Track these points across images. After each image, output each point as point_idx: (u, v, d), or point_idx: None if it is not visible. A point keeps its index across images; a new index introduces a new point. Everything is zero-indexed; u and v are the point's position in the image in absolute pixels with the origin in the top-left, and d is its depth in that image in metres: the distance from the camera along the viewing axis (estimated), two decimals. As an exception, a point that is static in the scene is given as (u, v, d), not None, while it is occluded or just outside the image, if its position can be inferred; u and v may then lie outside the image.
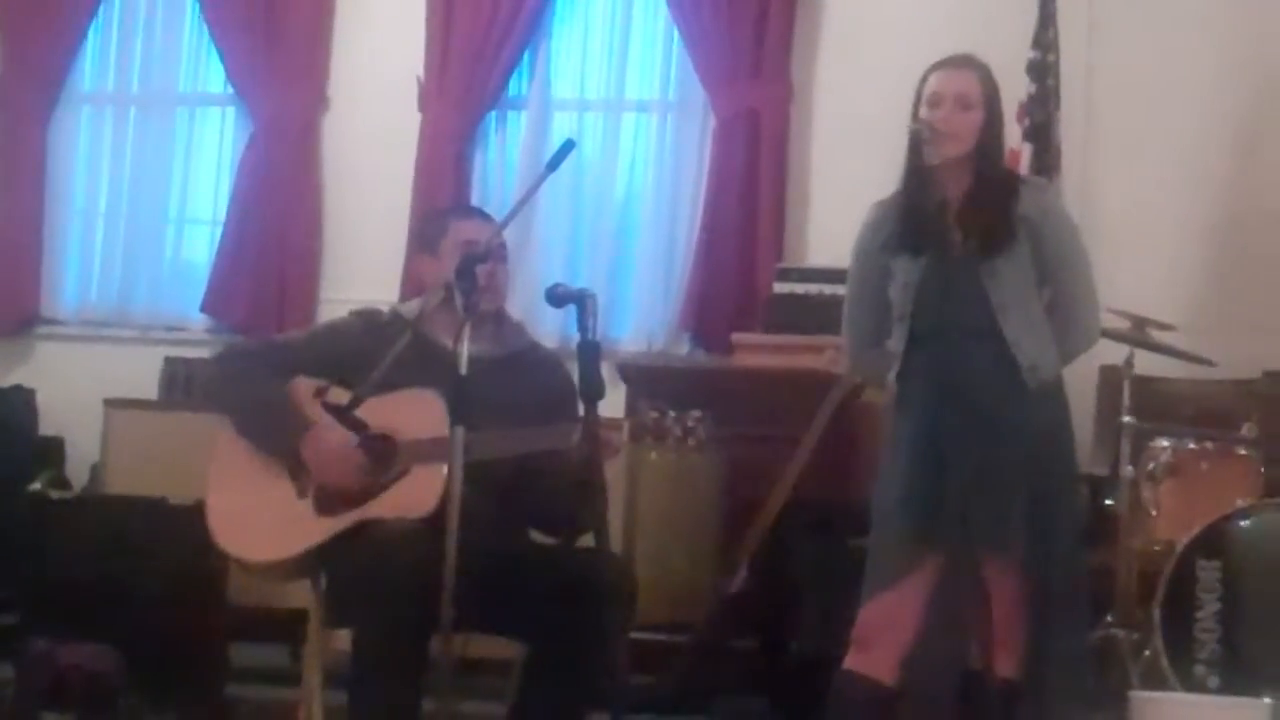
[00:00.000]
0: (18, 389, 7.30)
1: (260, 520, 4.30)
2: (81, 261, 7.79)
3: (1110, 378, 6.02)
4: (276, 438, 4.30)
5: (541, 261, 7.13)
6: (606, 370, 4.18)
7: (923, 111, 4.29)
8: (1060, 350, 4.34)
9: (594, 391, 3.91)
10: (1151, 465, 5.50)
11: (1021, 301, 4.26)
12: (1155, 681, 5.04)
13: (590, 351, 3.91)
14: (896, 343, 4.32)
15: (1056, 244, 4.31)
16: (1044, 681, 4.19)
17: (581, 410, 3.94)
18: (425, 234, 4.60)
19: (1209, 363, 5.74)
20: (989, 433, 4.18)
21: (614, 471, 4.48)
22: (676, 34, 7.18)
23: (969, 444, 4.18)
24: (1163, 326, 5.65)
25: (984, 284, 4.22)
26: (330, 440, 4.25)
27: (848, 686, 4.26)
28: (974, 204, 4.27)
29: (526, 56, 7.34)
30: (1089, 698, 4.43)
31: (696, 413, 4.19)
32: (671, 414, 4.19)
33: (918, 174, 4.30)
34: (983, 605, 4.18)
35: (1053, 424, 4.29)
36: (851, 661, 4.26)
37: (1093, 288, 4.40)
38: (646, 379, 6.03)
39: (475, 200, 7.10)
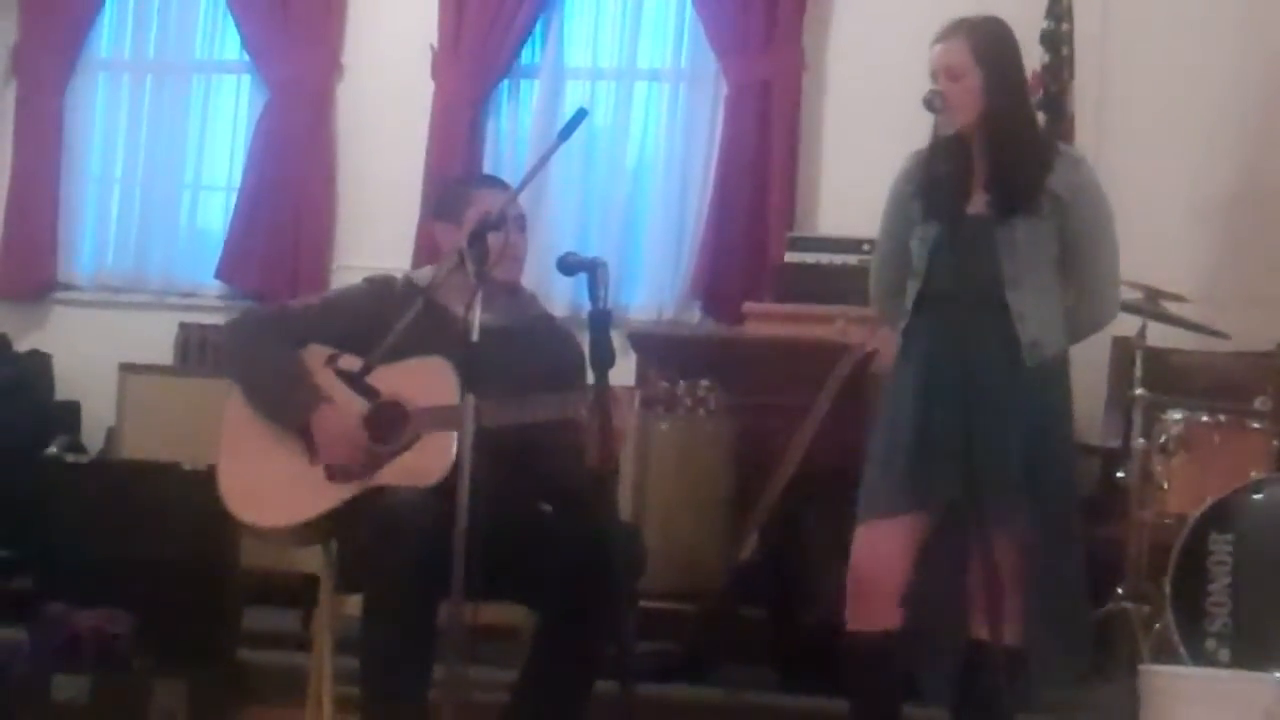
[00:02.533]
0: (34, 354, 7.34)
1: (272, 486, 4.31)
2: (98, 228, 7.82)
3: (1123, 350, 6.01)
4: (288, 412, 4.30)
5: (553, 230, 7.13)
6: (617, 339, 4.18)
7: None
8: (1070, 329, 4.32)
9: (605, 360, 3.92)
10: (1164, 438, 5.49)
11: (1034, 275, 4.22)
12: (1166, 655, 5.04)
13: (601, 320, 3.91)
14: (909, 298, 4.32)
15: (1084, 224, 4.26)
16: (1038, 652, 4.21)
17: (592, 379, 3.95)
18: (448, 202, 4.58)
19: (1222, 335, 5.74)
20: (982, 405, 4.15)
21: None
22: (689, 3, 7.18)
23: (962, 416, 4.15)
24: (1176, 298, 5.64)
25: (999, 253, 4.19)
26: (339, 421, 4.26)
27: (856, 648, 4.28)
28: (1000, 168, 4.23)
29: (539, 25, 7.35)
30: (1083, 669, 4.44)
31: (706, 382, 4.18)
32: (682, 383, 4.19)
33: (938, 143, 4.29)
34: (983, 571, 4.19)
35: (1050, 402, 4.25)
36: (853, 623, 4.28)
37: (1115, 274, 4.36)
38: (657, 348, 6.02)
39: (487, 168, 7.12)
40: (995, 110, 4.25)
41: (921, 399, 4.25)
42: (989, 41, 4.29)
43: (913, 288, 4.31)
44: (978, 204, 4.26)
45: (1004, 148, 4.25)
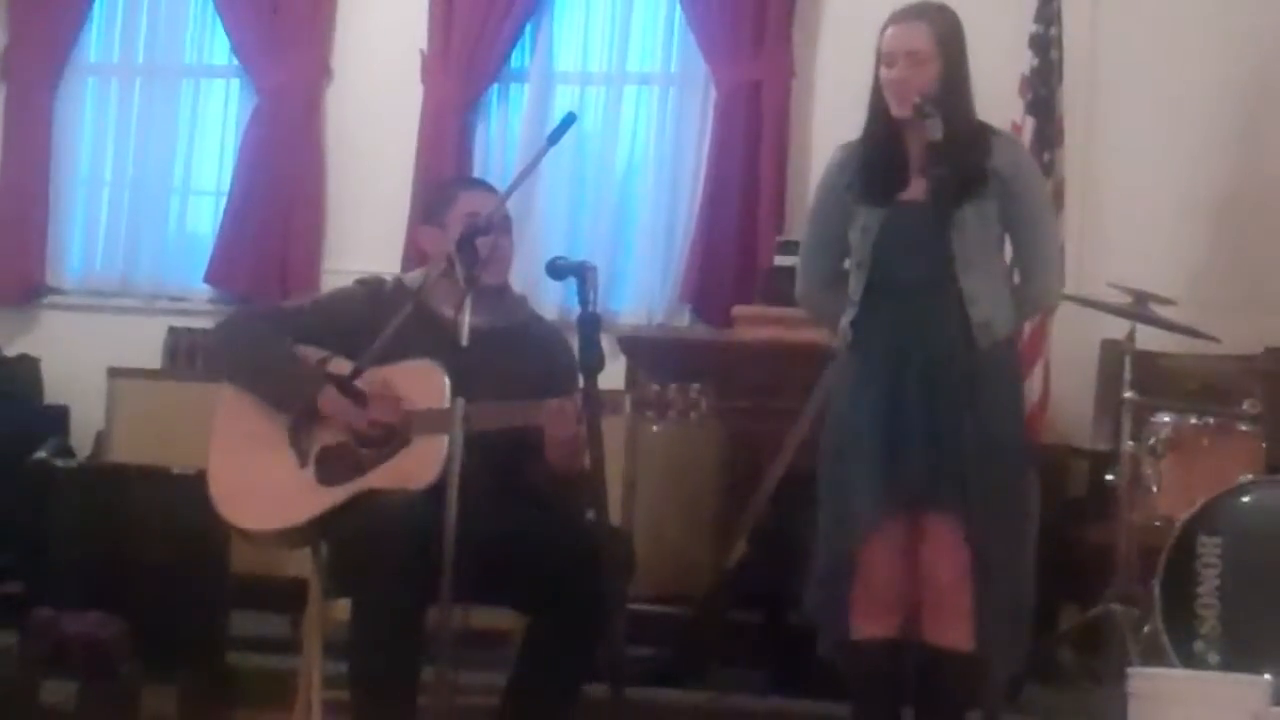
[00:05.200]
0: (23, 358, 7.32)
1: (261, 489, 4.31)
2: (86, 232, 7.80)
3: (1112, 352, 6.01)
4: (293, 395, 4.30)
5: (542, 234, 7.13)
6: (606, 343, 4.18)
7: (881, 71, 4.27)
8: (1017, 308, 4.33)
9: (594, 364, 3.93)
10: (1153, 440, 5.49)
11: (983, 257, 4.22)
12: (1155, 657, 5.04)
13: (590, 324, 3.92)
14: (854, 290, 4.30)
15: (1026, 200, 4.28)
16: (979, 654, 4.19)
17: (581, 382, 3.95)
18: (431, 205, 4.60)
19: (1211, 338, 5.73)
20: (939, 391, 4.16)
21: (614, 444, 4.49)
22: (679, 7, 7.17)
23: (921, 403, 4.18)
24: (1165, 301, 5.64)
25: (947, 236, 4.15)
26: (346, 399, 4.26)
27: (859, 657, 4.29)
28: (940, 154, 4.19)
29: (529, 29, 7.34)
30: (1022, 670, 4.43)
31: (697, 385, 4.19)
32: (672, 387, 4.19)
33: (881, 124, 4.29)
34: (928, 571, 4.21)
35: (1000, 385, 4.24)
36: (856, 631, 4.28)
37: (1057, 247, 4.39)
38: (646, 351, 6.03)
39: (477, 173, 7.11)
40: (948, 100, 4.22)
41: (888, 394, 4.23)
42: (950, 31, 4.29)
43: (859, 279, 4.30)
44: (916, 190, 4.26)
45: (949, 137, 4.22)
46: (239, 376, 4.40)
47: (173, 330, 7.27)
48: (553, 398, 4.21)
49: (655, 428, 4.30)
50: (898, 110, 4.25)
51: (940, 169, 4.16)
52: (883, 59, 4.28)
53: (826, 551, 4.30)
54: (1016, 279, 4.40)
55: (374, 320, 4.20)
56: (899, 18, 4.30)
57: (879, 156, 4.30)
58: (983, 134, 4.33)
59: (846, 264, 4.38)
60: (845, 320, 4.33)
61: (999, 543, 4.14)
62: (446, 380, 4.13)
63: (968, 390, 4.12)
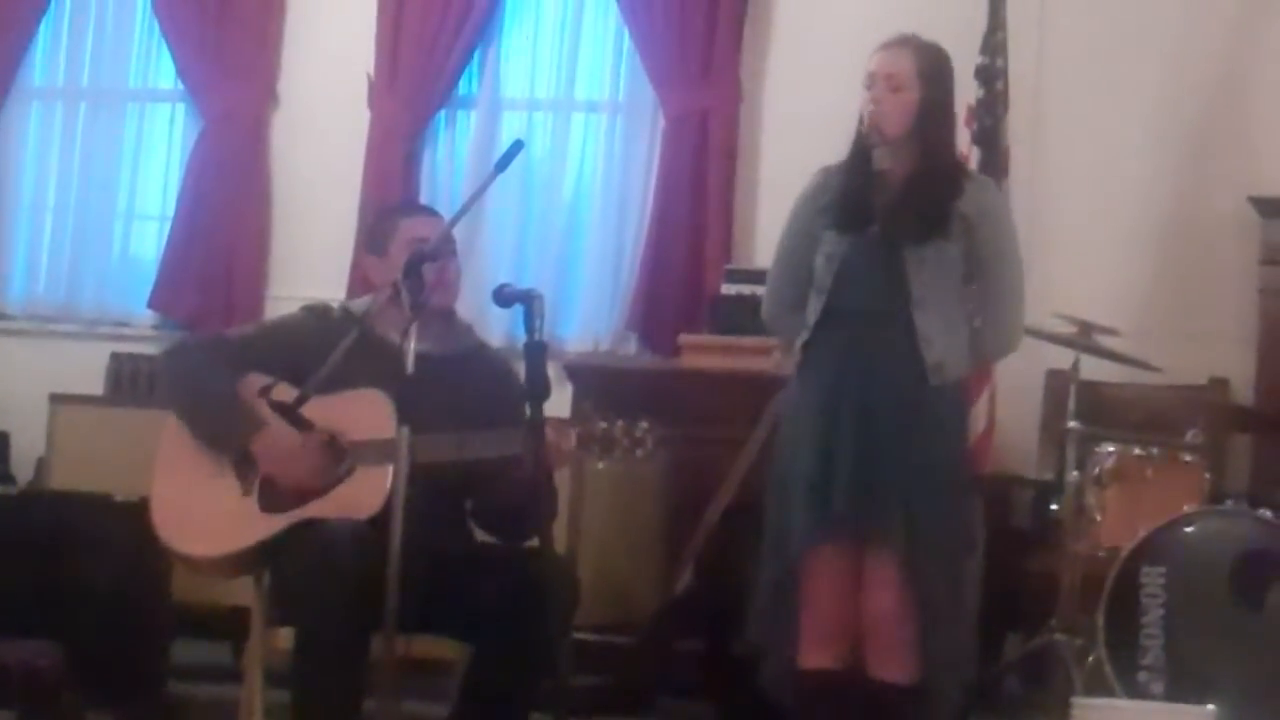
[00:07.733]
0: (-38, 384, 7.27)
1: (204, 516, 4.28)
2: (29, 256, 7.76)
3: (1056, 383, 6.04)
4: (226, 436, 4.27)
5: (489, 261, 7.12)
6: (553, 370, 4.18)
7: (861, 94, 4.31)
8: (976, 351, 4.35)
9: (540, 392, 3.91)
10: (1097, 471, 5.50)
11: (941, 297, 4.23)
12: (1098, 688, 5.04)
13: (537, 352, 3.91)
14: (811, 313, 4.32)
15: (991, 245, 4.30)
16: (924, 686, 4.21)
17: (528, 411, 3.94)
18: (374, 234, 4.57)
19: (1155, 368, 5.76)
20: (880, 424, 4.18)
21: (559, 475, 4.48)
22: (626, 35, 7.18)
23: (860, 433, 4.19)
24: (1109, 332, 5.67)
25: (907, 273, 4.19)
26: (283, 443, 4.23)
27: (802, 685, 4.28)
28: (912, 190, 4.23)
29: (477, 55, 7.34)
30: (966, 705, 4.44)
31: (645, 423, 4.17)
32: (620, 423, 4.18)
33: (861, 153, 4.30)
34: (869, 604, 4.21)
35: (945, 424, 4.27)
36: (803, 661, 4.28)
37: (1020, 295, 4.39)
38: (593, 379, 6.03)
39: (424, 199, 7.09)
40: (924, 133, 4.26)
41: (823, 419, 4.25)
42: (933, 63, 4.33)
43: (817, 303, 4.32)
44: (886, 221, 4.28)
45: (924, 172, 4.26)
46: (181, 411, 4.36)
47: (115, 356, 7.22)
48: (500, 426, 4.18)
49: (600, 464, 4.28)
50: (879, 136, 4.27)
51: (888, 198, 4.19)
52: (864, 80, 4.31)
53: (765, 577, 4.31)
54: (978, 322, 4.41)
55: (321, 347, 4.17)
56: (886, 44, 4.36)
57: (855, 185, 4.31)
58: (956, 174, 4.36)
59: None
60: (799, 341, 4.34)
61: (939, 575, 4.16)
62: (392, 409, 4.11)
63: (909, 423, 4.14)
